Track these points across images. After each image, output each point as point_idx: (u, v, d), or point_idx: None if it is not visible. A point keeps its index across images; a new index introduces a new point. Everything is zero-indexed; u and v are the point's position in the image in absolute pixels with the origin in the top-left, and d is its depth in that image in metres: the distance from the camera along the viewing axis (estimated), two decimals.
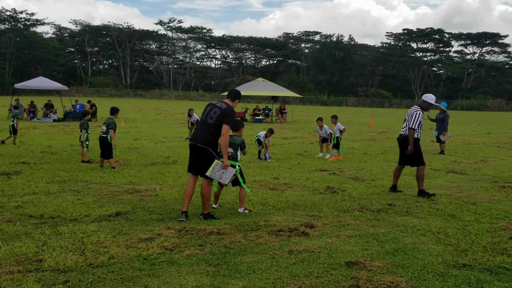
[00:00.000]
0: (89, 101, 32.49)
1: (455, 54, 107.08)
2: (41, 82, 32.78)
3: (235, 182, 7.69)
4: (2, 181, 9.73)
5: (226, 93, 7.61)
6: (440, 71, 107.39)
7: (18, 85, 32.31)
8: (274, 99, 38.91)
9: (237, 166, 7.65)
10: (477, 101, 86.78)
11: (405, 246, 6.01)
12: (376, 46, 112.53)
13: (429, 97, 9.91)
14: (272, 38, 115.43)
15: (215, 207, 8.02)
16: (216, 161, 7.03)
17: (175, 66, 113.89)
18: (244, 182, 7.81)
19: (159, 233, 6.33)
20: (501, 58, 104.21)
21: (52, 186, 9.42)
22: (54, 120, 29.42)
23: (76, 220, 6.96)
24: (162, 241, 5.99)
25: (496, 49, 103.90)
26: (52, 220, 6.93)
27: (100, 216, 7.16)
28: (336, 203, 8.46)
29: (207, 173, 6.98)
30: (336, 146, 14.96)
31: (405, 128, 9.83)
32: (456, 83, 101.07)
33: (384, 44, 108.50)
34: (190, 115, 20.74)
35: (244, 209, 7.79)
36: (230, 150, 7.65)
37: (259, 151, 14.62)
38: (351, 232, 6.61)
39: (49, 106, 31.35)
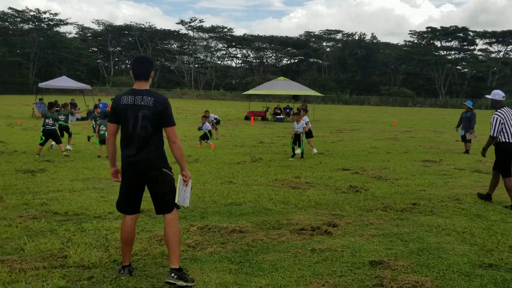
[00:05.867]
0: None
1: (479, 53, 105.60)
2: (64, 81, 33.22)
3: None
4: (27, 179, 9.88)
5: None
6: (465, 70, 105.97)
7: (42, 84, 32.80)
8: (296, 98, 38.79)
9: None
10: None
11: (429, 246, 5.93)
12: (399, 44, 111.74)
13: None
14: (294, 37, 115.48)
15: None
16: (179, 176, 4.82)
17: (196, 65, 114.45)
18: None
19: (181, 231, 6.35)
20: None
21: (76, 183, 9.53)
22: (78, 119, 29.78)
23: (100, 217, 7.02)
24: (185, 239, 6.01)
25: None
26: (77, 217, 7.01)
27: None
28: (359, 202, 8.38)
29: (176, 200, 4.77)
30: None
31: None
32: (480, 82, 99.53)
33: (408, 43, 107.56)
34: (206, 117, 20.70)
35: None
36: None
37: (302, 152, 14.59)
38: (374, 231, 6.55)
39: (72, 105, 31.70)
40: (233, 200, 8.32)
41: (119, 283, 4.65)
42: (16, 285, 4.52)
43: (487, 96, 8.90)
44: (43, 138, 13.52)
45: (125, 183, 4.85)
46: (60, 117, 14.91)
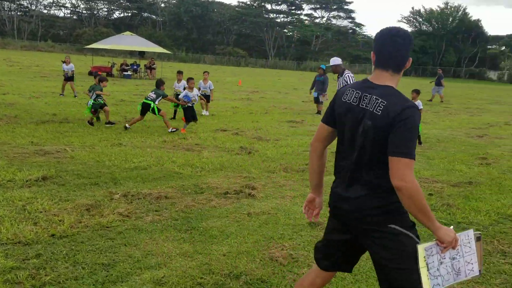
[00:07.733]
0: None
1: (305, 17, 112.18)
2: None
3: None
4: None
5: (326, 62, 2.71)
6: (290, 33, 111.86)
7: None
8: (142, 54, 37.58)
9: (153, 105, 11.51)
10: (323, 63, 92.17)
11: None
12: (233, 4, 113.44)
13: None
14: None
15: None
16: (421, 246, 2.56)
17: (19, 13, 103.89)
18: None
19: (103, 199, 6.02)
20: (345, 23, 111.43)
21: None
22: None
23: (1, 186, 6.30)
24: (114, 208, 5.71)
25: (342, 14, 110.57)
26: None
27: (27, 181, 6.55)
28: (259, 164, 8.64)
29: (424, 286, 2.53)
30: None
31: None
32: (305, 45, 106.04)
33: (240, 3, 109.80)
34: (67, 62, 18.72)
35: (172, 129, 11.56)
36: (153, 95, 11.73)
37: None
38: (292, 193, 6.87)
39: None
40: (135, 164, 8.03)
41: (74, 259, 4.32)
42: None
43: (326, 65, 10.90)
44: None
45: (330, 224, 3.01)
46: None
